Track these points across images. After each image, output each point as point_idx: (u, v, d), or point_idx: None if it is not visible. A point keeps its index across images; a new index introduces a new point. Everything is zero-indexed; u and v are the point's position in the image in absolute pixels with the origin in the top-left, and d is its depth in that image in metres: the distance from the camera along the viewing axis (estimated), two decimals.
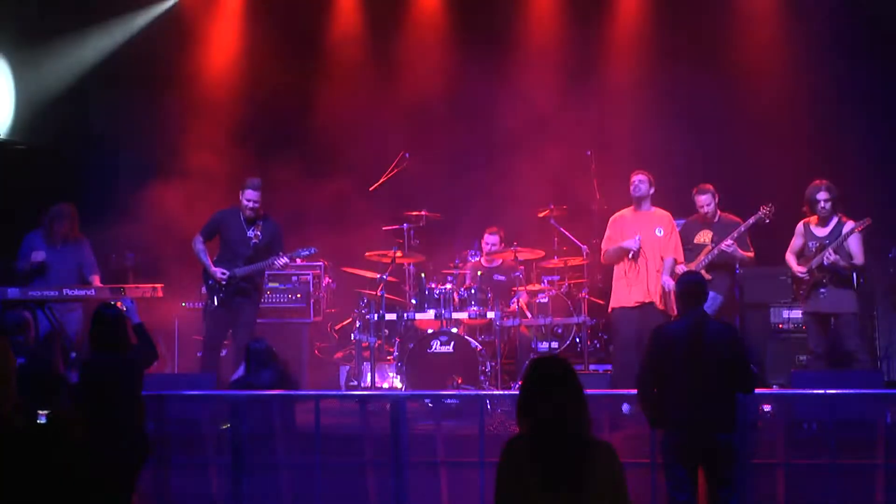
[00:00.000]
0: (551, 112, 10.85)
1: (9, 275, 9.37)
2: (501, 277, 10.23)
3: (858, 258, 8.63)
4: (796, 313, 9.72)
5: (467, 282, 10.08)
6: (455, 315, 9.56)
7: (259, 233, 9.15)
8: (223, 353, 9.47)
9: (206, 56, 11.50)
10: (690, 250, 9.21)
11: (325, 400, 7.71)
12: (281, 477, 7.21)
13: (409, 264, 10.12)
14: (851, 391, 7.09)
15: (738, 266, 9.41)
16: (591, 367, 10.04)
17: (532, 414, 3.80)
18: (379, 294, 9.67)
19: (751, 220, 8.96)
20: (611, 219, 9.24)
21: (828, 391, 6.95)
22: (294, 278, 10.33)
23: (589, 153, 10.62)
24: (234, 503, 6.98)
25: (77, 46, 11.13)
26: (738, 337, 6.13)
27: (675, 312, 8.36)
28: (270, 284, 10.26)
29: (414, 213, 10.26)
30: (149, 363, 6.73)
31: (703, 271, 8.81)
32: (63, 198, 9.66)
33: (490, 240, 10.39)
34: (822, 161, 10.01)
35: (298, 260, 9.33)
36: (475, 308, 9.59)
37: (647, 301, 8.91)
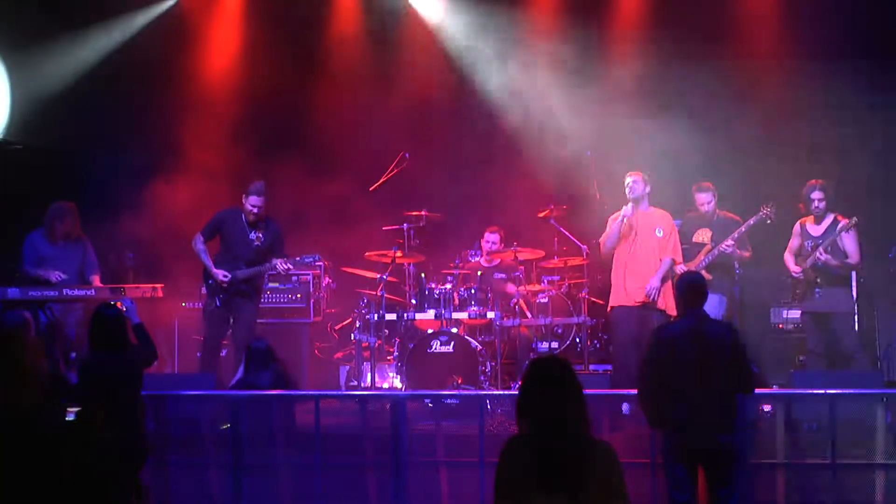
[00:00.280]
0: (551, 112, 10.84)
1: (10, 275, 9.37)
2: (502, 275, 10.24)
3: (854, 257, 8.63)
4: (796, 313, 9.72)
5: (469, 281, 10.08)
6: (455, 315, 9.56)
7: (261, 235, 9.15)
8: (223, 353, 9.48)
9: (205, 56, 11.49)
10: (688, 248, 9.21)
11: (325, 400, 7.71)
12: (281, 477, 7.21)
13: (409, 264, 10.13)
14: (851, 391, 7.09)
15: (737, 266, 9.41)
16: (591, 367, 10.03)
17: (531, 414, 3.80)
18: (379, 294, 9.67)
19: (751, 221, 8.96)
20: (610, 217, 9.22)
21: (828, 391, 6.95)
22: (294, 278, 10.32)
23: (589, 153, 10.61)
24: (234, 503, 6.98)
25: (76, 47, 11.13)
26: (738, 337, 6.12)
27: (675, 312, 8.39)
28: (270, 284, 10.26)
29: (414, 213, 10.26)
30: (149, 363, 6.73)
31: (703, 271, 8.80)
32: (63, 198, 9.66)
33: (491, 238, 10.40)
34: (822, 161, 10.02)
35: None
36: (475, 308, 9.59)
37: (646, 301, 8.90)
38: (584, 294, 10.21)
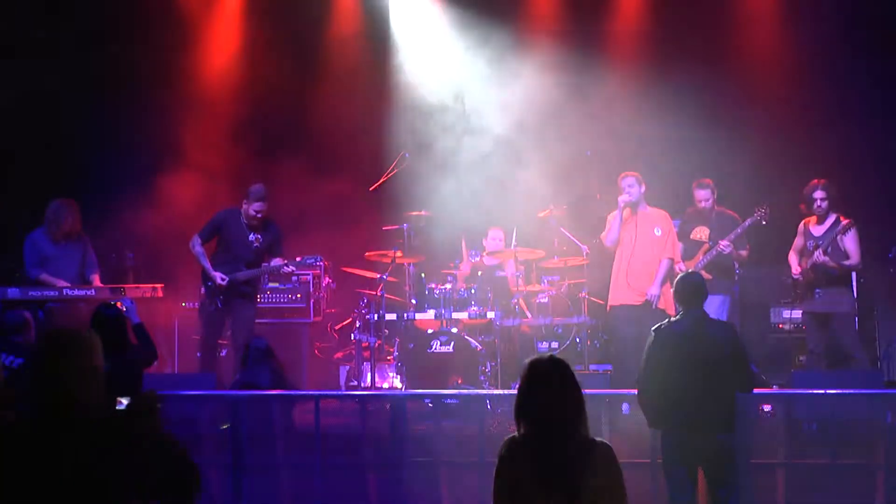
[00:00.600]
0: (551, 111, 10.83)
1: (10, 275, 9.38)
2: (503, 273, 10.24)
3: (854, 258, 8.61)
4: (796, 313, 9.72)
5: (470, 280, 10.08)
6: (455, 315, 9.56)
7: (260, 236, 9.17)
8: (223, 353, 9.48)
9: (206, 56, 11.49)
10: (687, 247, 9.21)
11: (325, 400, 7.71)
12: (281, 477, 7.22)
13: (409, 264, 10.12)
14: (851, 391, 7.09)
15: (737, 266, 9.41)
16: (591, 367, 10.02)
17: (529, 414, 3.80)
18: (379, 294, 9.67)
19: (747, 223, 8.95)
20: (609, 216, 9.20)
21: (828, 391, 6.96)
22: (294, 278, 10.31)
23: (589, 153, 10.61)
24: (234, 503, 6.98)
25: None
26: (737, 336, 6.13)
27: (674, 312, 8.39)
28: (270, 284, 10.26)
29: (414, 213, 10.25)
30: (149, 363, 6.74)
31: (702, 271, 8.80)
32: (63, 196, 9.66)
33: (495, 234, 10.39)
34: (822, 160, 10.01)
35: (297, 258, 9.32)
36: (475, 308, 9.59)
37: (646, 300, 8.89)
38: (584, 294, 10.20)
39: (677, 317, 6.12)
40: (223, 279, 8.99)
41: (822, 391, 7.04)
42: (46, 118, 10.82)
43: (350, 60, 11.58)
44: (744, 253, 9.13)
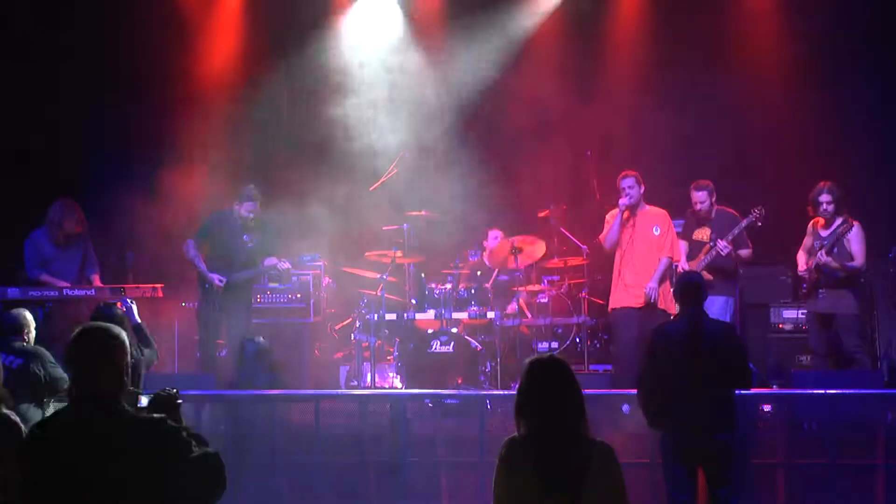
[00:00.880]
0: (552, 111, 10.83)
1: (10, 275, 9.39)
2: (504, 277, 10.23)
3: (858, 260, 8.58)
4: (796, 313, 9.72)
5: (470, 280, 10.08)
6: (455, 315, 9.56)
7: (253, 236, 9.24)
8: (222, 353, 9.48)
9: (205, 55, 11.48)
10: (690, 247, 9.20)
11: (325, 400, 7.71)
12: (281, 477, 7.22)
13: (409, 264, 10.12)
14: (851, 391, 7.09)
15: (739, 268, 9.39)
16: (591, 367, 10.03)
17: (529, 414, 3.80)
18: (379, 294, 9.67)
19: (743, 223, 8.93)
20: (608, 215, 9.18)
21: (828, 391, 6.96)
22: (294, 278, 10.31)
23: (589, 153, 10.60)
24: (233, 503, 6.98)
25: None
26: (735, 335, 6.15)
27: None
28: (270, 284, 10.25)
29: (414, 213, 10.25)
30: (149, 363, 6.73)
31: (703, 271, 8.79)
32: (62, 195, 9.68)
33: (494, 234, 10.38)
34: (823, 160, 10.01)
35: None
36: (475, 308, 9.59)
37: (647, 302, 8.88)
38: (584, 294, 10.20)
39: (676, 317, 6.12)
40: (221, 281, 9.02)
41: (822, 391, 7.04)
42: (47, 118, 10.82)
43: (350, 59, 11.57)
44: (744, 253, 9.10)
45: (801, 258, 8.89)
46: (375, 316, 9.66)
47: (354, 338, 9.98)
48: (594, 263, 10.28)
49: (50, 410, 6.61)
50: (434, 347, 9.29)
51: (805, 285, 8.86)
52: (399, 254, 9.82)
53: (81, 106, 11.04)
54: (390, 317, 9.71)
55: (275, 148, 11.33)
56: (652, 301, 8.82)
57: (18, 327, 6.83)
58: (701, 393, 5.84)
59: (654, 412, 6.01)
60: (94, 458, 3.54)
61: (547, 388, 3.79)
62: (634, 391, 6.23)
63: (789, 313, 9.84)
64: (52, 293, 8.88)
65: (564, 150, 10.67)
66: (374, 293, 9.74)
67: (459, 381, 9.07)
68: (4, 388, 5.00)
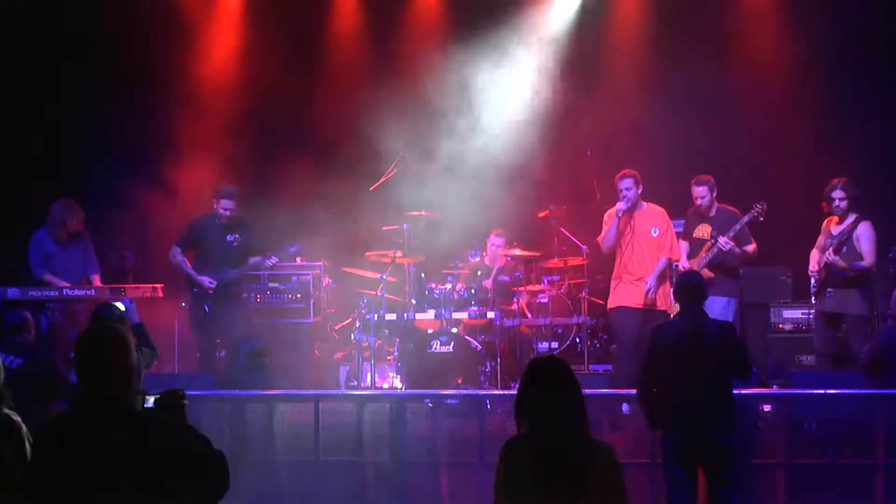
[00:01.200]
0: (552, 111, 10.83)
1: (10, 275, 9.40)
2: (505, 278, 10.22)
3: (867, 259, 8.50)
4: (796, 313, 9.72)
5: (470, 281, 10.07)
6: (455, 315, 9.56)
7: (238, 236, 9.30)
8: (222, 353, 9.49)
9: (205, 55, 11.48)
10: (691, 246, 9.18)
11: (325, 400, 7.71)
12: (280, 476, 7.22)
13: (409, 264, 10.12)
14: (851, 391, 7.08)
15: (740, 267, 9.38)
16: (591, 367, 10.03)
17: (530, 415, 3.80)
18: (379, 294, 9.67)
19: (745, 219, 8.91)
20: (606, 214, 9.17)
21: (828, 391, 6.96)
22: (294, 278, 10.32)
23: (589, 153, 10.60)
24: (233, 503, 6.98)
25: None
26: (735, 334, 6.17)
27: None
28: (270, 284, 10.27)
29: (414, 213, 10.25)
30: (148, 364, 6.73)
31: (705, 269, 8.78)
32: (63, 196, 9.70)
33: (496, 241, 10.34)
34: (823, 160, 10.01)
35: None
36: (475, 308, 9.59)
37: (646, 303, 8.86)
38: (584, 294, 10.20)
39: (676, 316, 6.13)
40: (211, 282, 9.10)
41: (822, 391, 7.04)
42: (47, 118, 10.82)
43: (350, 59, 11.58)
44: (749, 248, 9.05)
45: (814, 256, 8.83)
46: (375, 316, 9.66)
47: (354, 338, 9.98)
48: (594, 263, 10.28)
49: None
50: (434, 347, 9.29)
51: (815, 284, 8.84)
52: (399, 254, 9.82)
53: (81, 105, 11.04)
54: (390, 317, 9.71)
55: (274, 146, 11.33)
56: (651, 300, 8.82)
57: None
58: (701, 393, 5.85)
59: (654, 412, 6.01)
60: (101, 456, 3.55)
61: (547, 389, 3.79)
62: (634, 391, 6.23)
63: (789, 313, 9.84)
64: (52, 293, 8.92)
65: (565, 150, 10.66)
66: (374, 293, 9.73)
67: (459, 381, 9.06)
68: (5, 387, 4.99)
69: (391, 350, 9.99)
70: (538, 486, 3.70)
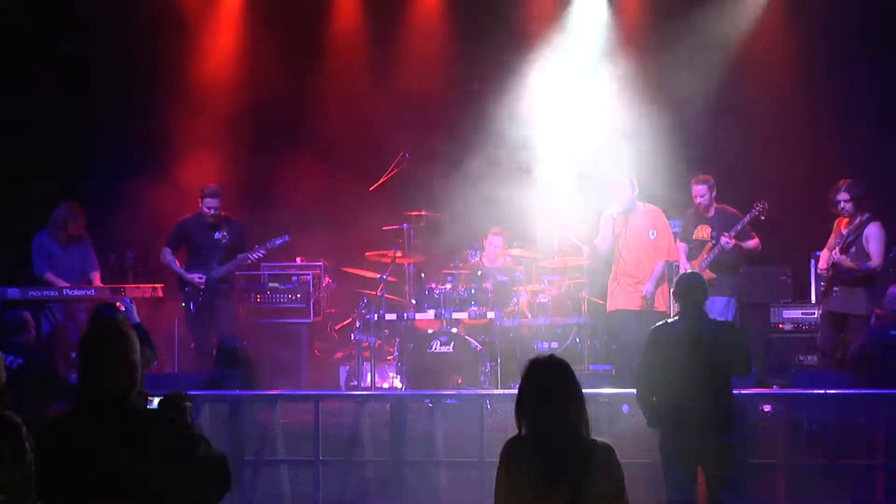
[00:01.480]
0: (552, 111, 10.82)
1: (10, 275, 9.42)
2: (504, 278, 10.21)
3: (875, 260, 8.45)
4: (796, 313, 9.72)
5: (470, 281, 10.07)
6: (455, 315, 9.56)
7: (226, 233, 9.36)
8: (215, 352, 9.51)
9: (205, 54, 11.48)
10: (691, 247, 9.18)
11: (325, 400, 7.72)
12: (281, 477, 7.22)
13: (409, 264, 10.11)
14: (851, 391, 7.09)
15: (741, 266, 9.37)
16: (591, 367, 10.02)
17: (530, 414, 3.80)
18: (379, 294, 9.67)
19: (746, 219, 8.91)
20: (602, 216, 9.14)
21: (828, 391, 6.96)
22: (294, 278, 10.33)
23: (589, 153, 10.56)
24: (233, 503, 6.98)
25: None
26: (735, 331, 6.19)
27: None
28: (270, 284, 10.29)
29: (414, 213, 10.24)
30: (148, 363, 6.72)
31: (706, 270, 8.77)
32: (64, 196, 9.73)
33: (495, 241, 10.34)
34: (822, 160, 10.01)
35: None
36: (475, 308, 9.58)
37: (645, 305, 8.84)
38: (584, 294, 10.20)
39: (676, 316, 6.13)
40: (200, 278, 9.19)
41: (822, 391, 7.04)
42: (47, 118, 10.82)
43: (351, 59, 11.58)
44: (751, 244, 9.02)
45: (824, 255, 8.80)
46: (375, 316, 9.66)
47: (354, 338, 9.98)
48: (594, 263, 10.27)
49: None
50: (434, 347, 9.28)
51: (823, 283, 8.83)
52: (399, 254, 9.82)
53: (82, 105, 11.04)
54: (390, 317, 9.71)
55: (275, 146, 11.33)
56: (650, 303, 8.81)
57: (19, 327, 6.84)
58: (701, 393, 5.84)
59: (654, 412, 6.01)
60: (107, 455, 3.57)
61: (547, 388, 3.79)
62: (634, 391, 6.23)
63: (789, 313, 9.84)
64: (52, 293, 8.97)
65: (565, 150, 10.65)
66: (374, 293, 9.73)
67: (459, 381, 9.06)
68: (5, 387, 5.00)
69: (391, 350, 9.99)
70: (538, 487, 3.70)
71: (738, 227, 8.89)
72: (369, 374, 9.63)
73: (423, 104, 11.12)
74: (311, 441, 7.13)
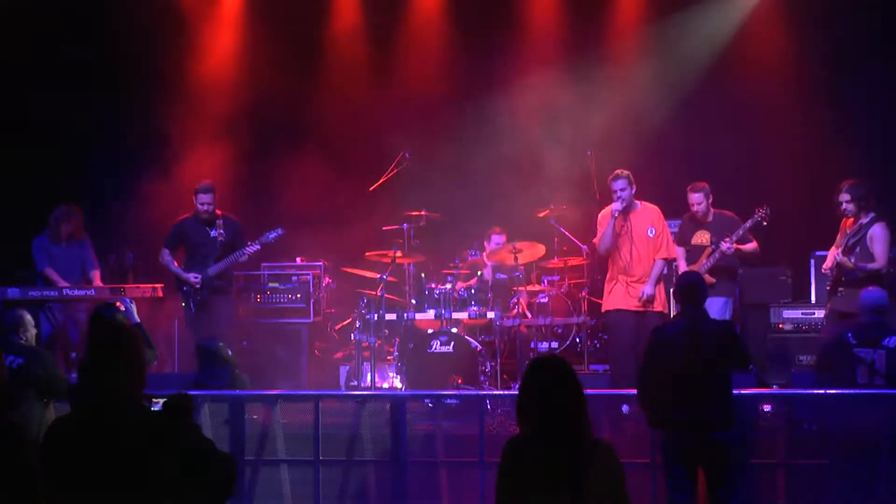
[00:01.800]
0: (552, 111, 10.83)
1: (10, 275, 9.44)
2: (503, 276, 10.23)
3: (878, 261, 8.44)
4: (796, 313, 9.71)
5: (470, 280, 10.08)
6: (455, 315, 9.56)
7: (222, 231, 9.33)
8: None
9: (206, 54, 11.48)
10: (689, 252, 9.17)
11: (325, 400, 7.72)
12: (280, 477, 7.22)
13: (409, 264, 10.12)
14: (851, 391, 7.07)
15: (740, 268, 9.37)
16: (591, 367, 10.03)
17: (532, 414, 3.80)
18: (379, 294, 9.67)
19: (748, 224, 8.90)
20: (599, 215, 9.14)
21: (828, 391, 6.95)
22: (294, 278, 10.34)
23: (589, 153, 10.59)
24: (234, 502, 6.98)
25: None
26: (734, 331, 6.19)
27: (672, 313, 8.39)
28: (270, 284, 10.30)
29: (414, 213, 10.25)
30: (148, 364, 6.73)
31: (706, 275, 8.76)
32: (63, 197, 9.75)
33: (497, 239, 10.36)
34: (822, 160, 10.01)
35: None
36: (475, 308, 9.59)
37: (644, 306, 8.83)
38: (584, 294, 10.20)
39: (676, 316, 6.13)
40: (196, 278, 9.16)
41: (822, 391, 7.04)
42: (47, 117, 10.82)
43: (351, 59, 11.58)
44: (751, 247, 9.02)
45: (831, 255, 8.80)
46: (375, 316, 9.66)
47: (354, 338, 9.98)
48: (594, 263, 10.28)
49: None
50: (434, 347, 9.29)
51: (828, 283, 8.83)
52: (399, 254, 9.82)
53: (82, 105, 11.04)
54: (390, 317, 9.71)
55: (275, 146, 11.34)
56: (648, 304, 8.79)
57: (19, 327, 6.83)
58: (701, 393, 5.85)
59: (654, 412, 6.01)
60: (114, 457, 3.58)
61: (548, 388, 3.79)
62: (634, 391, 6.23)
63: (789, 313, 9.83)
64: (52, 293, 8.98)
65: (565, 150, 10.66)
66: (374, 293, 9.74)
67: (459, 381, 9.06)
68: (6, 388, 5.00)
69: (391, 350, 9.99)
70: (539, 486, 3.71)
71: (740, 233, 8.89)
72: (369, 374, 9.63)
73: (423, 104, 11.13)
74: (311, 441, 7.13)
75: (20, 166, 10.73)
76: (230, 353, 8.09)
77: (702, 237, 9.14)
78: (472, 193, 10.84)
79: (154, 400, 3.91)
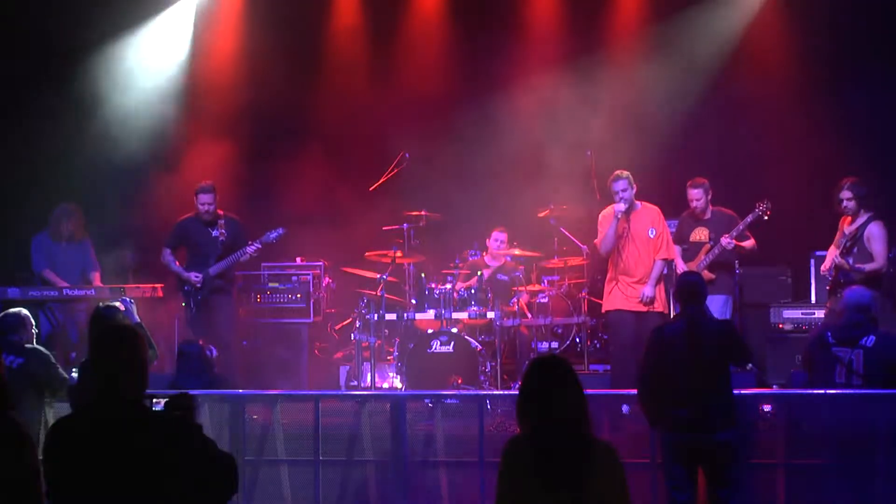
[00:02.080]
0: (552, 111, 10.83)
1: (10, 275, 9.44)
2: (504, 277, 10.22)
3: (877, 261, 8.42)
4: (796, 313, 9.71)
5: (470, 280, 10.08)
6: (455, 315, 9.56)
7: (224, 231, 9.34)
8: (213, 352, 9.50)
9: (206, 55, 11.48)
10: (687, 249, 9.17)
11: (325, 400, 7.72)
12: (281, 477, 7.22)
13: (409, 264, 10.12)
14: (851, 391, 7.07)
15: (738, 266, 9.38)
16: (591, 367, 10.03)
17: (532, 414, 3.80)
18: (379, 294, 9.67)
19: (748, 219, 8.91)
20: (600, 216, 9.13)
21: (828, 391, 6.95)
22: (294, 278, 10.34)
23: (589, 153, 10.60)
24: (233, 502, 6.97)
25: None
26: (735, 331, 6.20)
27: (672, 312, 8.38)
28: (270, 284, 10.30)
29: (414, 213, 10.25)
30: (149, 363, 6.71)
31: (705, 271, 8.76)
32: (63, 197, 9.74)
33: (499, 237, 10.35)
34: (822, 160, 10.01)
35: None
36: (475, 308, 9.59)
37: (644, 306, 8.84)
38: (584, 294, 10.20)
39: (676, 316, 6.13)
40: (196, 277, 9.17)
41: (822, 391, 7.03)
42: (47, 116, 10.81)
43: (351, 59, 11.58)
44: (749, 244, 9.02)
45: (830, 254, 8.80)
46: (375, 316, 9.66)
47: (354, 338, 9.99)
48: (594, 263, 10.28)
49: (50, 410, 6.61)
50: (434, 347, 9.29)
51: (828, 284, 8.83)
52: (399, 254, 9.82)
53: (81, 103, 11.03)
54: (390, 317, 9.71)
55: (276, 146, 11.33)
56: (648, 304, 8.79)
57: (18, 327, 6.84)
58: (701, 393, 5.85)
59: (655, 412, 6.01)
60: (118, 456, 3.58)
61: (549, 388, 3.79)
62: (634, 391, 6.23)
63: (789, 313, 9.83)
64: (52, 293, 8.99)
65: (564, 150, 10.66)
66: (374, 293, 9.74)
67: (459, 381, 9.06)
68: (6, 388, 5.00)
69: (391, 350, 10.00)
70: (539, 486, 3.71)
71: (741, 228, 8.90)
72: (369, 374, 9.63)
73: (423, 104, 11.13)
74: (311, 441, 7.13)
75: (20, 166, 10.72)
76: (211, 356, 8.06)
77: (700, 234, 9.15)
78: (472, 193, 10.83)
79: (155, 400, 3.91)
